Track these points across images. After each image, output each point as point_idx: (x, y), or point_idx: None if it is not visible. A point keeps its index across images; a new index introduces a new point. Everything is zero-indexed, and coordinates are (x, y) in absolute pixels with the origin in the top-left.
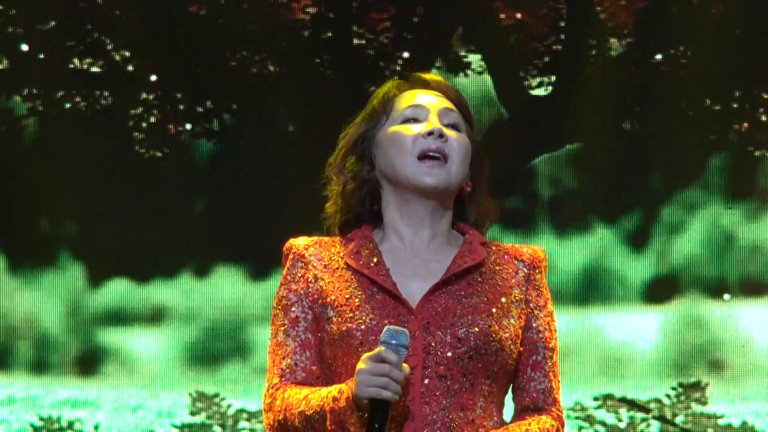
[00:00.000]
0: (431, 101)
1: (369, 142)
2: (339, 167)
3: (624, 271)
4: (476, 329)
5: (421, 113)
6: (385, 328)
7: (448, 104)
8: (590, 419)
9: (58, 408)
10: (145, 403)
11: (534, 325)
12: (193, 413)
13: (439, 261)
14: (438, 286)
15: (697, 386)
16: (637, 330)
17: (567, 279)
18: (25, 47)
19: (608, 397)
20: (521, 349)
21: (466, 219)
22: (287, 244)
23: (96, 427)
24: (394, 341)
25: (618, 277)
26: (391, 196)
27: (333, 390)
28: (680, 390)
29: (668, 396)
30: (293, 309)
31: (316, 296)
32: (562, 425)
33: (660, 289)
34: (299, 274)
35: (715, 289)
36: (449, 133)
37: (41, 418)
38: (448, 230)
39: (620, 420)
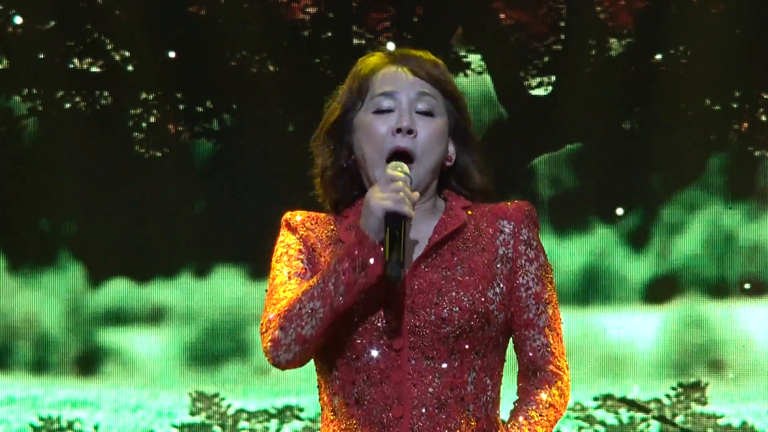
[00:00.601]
0: (404, 86)
1: (347, 127)
2: (320, 150)
3: (624, 271)
4: (459, 308)
5: (393, 102)
6: (391, 163)
7: (423, 87)
8: (590, 419)
9: (58, 408)
10: (145, 403)
11: (522, 282)
12: (193, 413)
13: (423, 231)
14: (420, 260)
15: (697, 386)
16: (637, 330)
17: (567, 279)
18: (18, 20)
19: (608, 397)
20: (513, 308)
21: (452, 187)
22: (284, 216)
23: (96, 427)
24: (399, 168)
25: (618, 277)
26: (369, 184)
27: (338, 251)
28: (680, 390)
29: (668, 396)
30: (296, 262)
31: (312, 265)
32: (564, 382)
33: (660, 289)
34: (297, 240)
35: (715, 289)
36: (420, 122)
37: (41, 418)
38: (432, 203)
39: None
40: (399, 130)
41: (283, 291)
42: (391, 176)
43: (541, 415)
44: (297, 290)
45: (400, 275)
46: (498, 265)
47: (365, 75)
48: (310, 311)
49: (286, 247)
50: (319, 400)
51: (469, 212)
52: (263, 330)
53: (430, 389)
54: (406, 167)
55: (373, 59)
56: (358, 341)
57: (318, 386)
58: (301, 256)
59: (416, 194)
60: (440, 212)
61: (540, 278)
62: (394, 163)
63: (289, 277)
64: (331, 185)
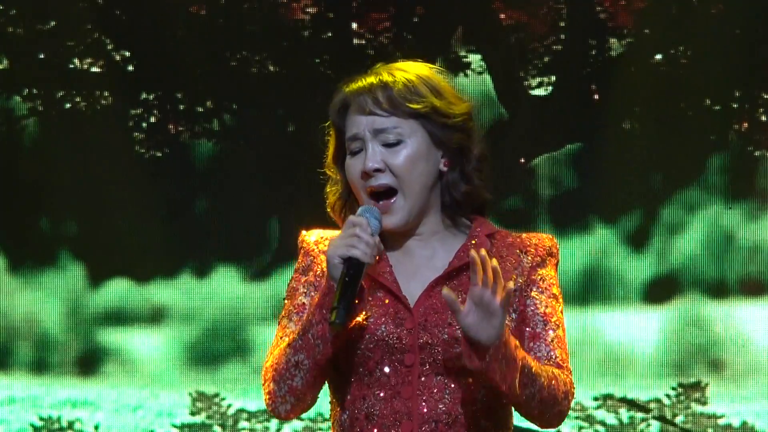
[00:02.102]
0: (364, 125)
1: (343, 163)
2: (330, 179)
3: (624, 271)
4: None
5: (360, 143)
6: (360, 208)
7: (381, 119)
8: (590, 419)
9: (58, 408)
10: (145, 403)
11: (530, 303)
12: (193, 413)
13: (442, 258)
14: (438, 281)
15: (697, 386)
16: (637, 330)
17: (567, 279)
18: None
19: (608, 397)
20: (521, 328)
21: (454, 202)
22: (300, 236)
23: (96, 427)
24: (367, 214)
25: (618, 277)
26: None
27: (314, 299)
28: (680, 390)
29: (668, 396)
30: (300, 297)
31: None
32: (569, 378)
33: (660, 289)
34: (309, 267)
35: (715, 289)
36: (388, 155)
37: (41, 418)
38: (443, 223)
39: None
40: (367, 174)
41: (282, 336)
42: (351, 221)
43: (541, 368)
44: (288, 338)
45: (344, 322)
46: (514, 296)
47: (337, 116)
48: (295, 363)
49: (296, 280)
50: (330, 414)
51: (494, 240)
52: (263, 381)
53: (441, 405)
54: (376, 211)
55: (340, 96)
56: (371, 357)
57: (330, 401)
58: (305, 290)
59: (376, 238)
60: (461, 237)
61: (548, 302)
62: (362, 208)
63: (290, 318)
64: (341, 212)
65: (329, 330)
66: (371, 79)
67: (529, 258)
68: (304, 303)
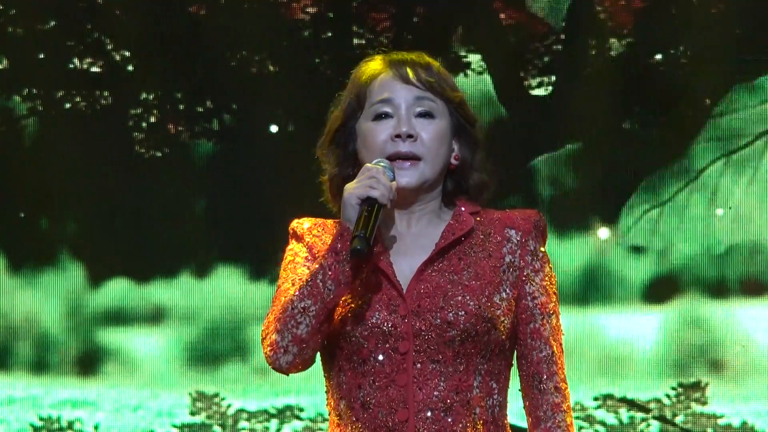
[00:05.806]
0: (401, 92)
1: (350, 135)
2: (327, 158)
3: (624, 271)
4: (465, 312)
5: (391, 107)
6: (375, 160)
7: (420, 91)
8: (590, 419)
9: (58, 408)
10: (145, 403)
11: (529, 291)
12: (193, 413)
13: (429, 236)
14: (427, 264)
15: (697, 386)
16: (637, 330)
17: (567, 279)
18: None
19: (608, 397)
20: (519, 317)
21: (463, 192)
22: (292, 224)
23: (96, 427)
24: (382, 164)
25: (618, 277)
26: None
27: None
28: (680, 390)
29: (668, 396)
30: (301, 269)
31: None
32: (565, 397)
33: (660, 289)
34: (303, 247)
35: (715, 289)
36: (420, 126)
37: (41, 418)
38: (438, 206)
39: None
40: (398, 136)
41: (284, 297)
42: (368, 167)
43: None
44: (292, 291)
45: (364, 249)
46: (504, 272)
47: (363, 82)
48: (302, 310)
49: (293, 255)
50: (327, 404)
51: (478, 218)
52: (263, 336)
53: (436, 393)
54: (386, 161)
55: (371, 65)
56: (365, 345)
57: (326, 391)
58: (307, 264)
59: (394, 183)
60: (447, 218)
61: (545, 288)
62: (377, 160)
63: (293, 284)
64: (338, 192)
65: (347, 263)
66: (412, 56)
67: (518, 234)
68: (306, 272)
